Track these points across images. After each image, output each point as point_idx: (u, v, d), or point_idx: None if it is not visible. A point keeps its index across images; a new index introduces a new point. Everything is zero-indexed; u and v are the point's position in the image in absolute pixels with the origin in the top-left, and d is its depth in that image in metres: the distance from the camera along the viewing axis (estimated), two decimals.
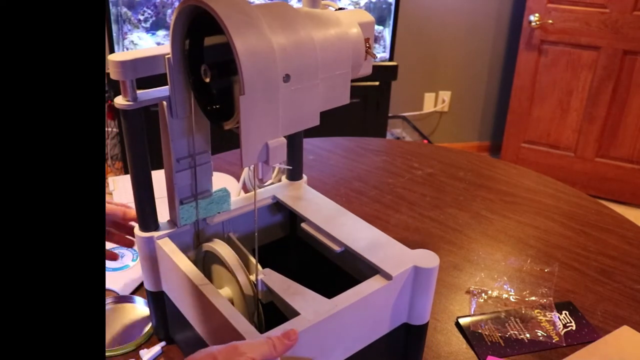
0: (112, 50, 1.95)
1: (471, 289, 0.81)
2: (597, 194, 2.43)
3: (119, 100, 0.53)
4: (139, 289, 0.78)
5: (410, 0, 2.46)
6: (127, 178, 1.05)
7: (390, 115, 2.51)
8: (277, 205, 0.71)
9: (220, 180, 1.07)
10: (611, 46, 2.23)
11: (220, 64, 0.49)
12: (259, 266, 0.58)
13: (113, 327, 0.71)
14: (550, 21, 2.29)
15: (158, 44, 2.05)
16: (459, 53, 2.66)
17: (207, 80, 0.50)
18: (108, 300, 0.75)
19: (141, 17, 2.03)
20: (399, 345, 0.62)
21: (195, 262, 0.61)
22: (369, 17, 0.57)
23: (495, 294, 0.80)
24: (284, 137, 0.50)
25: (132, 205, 0.63)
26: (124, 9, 2.00)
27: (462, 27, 2.60)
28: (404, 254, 0.58)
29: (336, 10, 0.57)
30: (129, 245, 0.73)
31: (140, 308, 0.74)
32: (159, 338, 0.69)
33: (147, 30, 2.06)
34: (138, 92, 0.54)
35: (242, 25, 0.45)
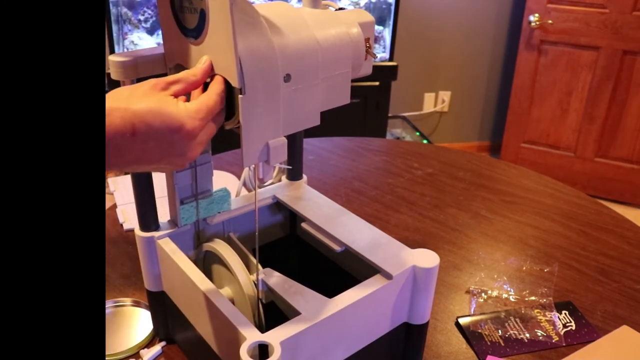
0: (112, 50, 1.95)
1: (471, 288, 0.81)
2: (597, 194, 2.43)
3: None
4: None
5: (410, 0, 2.46)
6: (128, 178, 1.05)
7: (390, 115, 2.51)
8: (278, 205, 0.71)
9: (220, 179, 1.07)
10: (611, 46, 2.23)
11: None
12: (260, 266, 0.58)
13: (114, 331, 0.71)
14: (550, 21, 2.29)
15: (158, 44, 2.05)
16: (459, 53, 2.67)
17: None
18: (109, 303, 0.75)
19: (141, 17, 2.04)
20: (399, 344, 0.62)
21: (195, 262, 0.61)
22: (369, 17, 0.57)
23: (495, 293, 0.80)
24: (284, 136, 0.50)
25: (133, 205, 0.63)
26: (124, 9, 2.00)
27: (462, 27, 2.60)
28: (404, 254, 0.58)
29: (336, 10, 0.57)
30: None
31: (141, 311, 0.74)
32: (159, 338, 0.69)
33: (147, 30, 2.06)
34: None
35: (243, 25, 0.45)
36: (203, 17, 0.46)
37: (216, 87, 0.46)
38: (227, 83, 0.47)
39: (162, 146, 0.42)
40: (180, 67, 0.52)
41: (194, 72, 0.46)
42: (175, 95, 0.44)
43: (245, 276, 0.58)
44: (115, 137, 0.40)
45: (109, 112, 0.40)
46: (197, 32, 0.47)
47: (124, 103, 0.41)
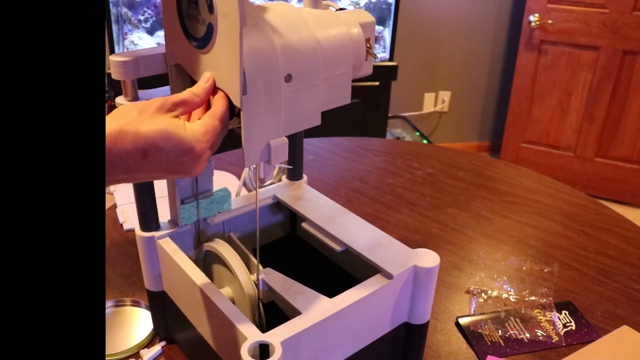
0: (112, 51, 1.95)
1: (471, 288, 0.81)
2: (597, 194, 2.44)
3: (120, 100, 0.53)
4: None
5: (410, 0, 2.46)
6: None
7: (390, 115, 2.51)
8: (278, 205, 0.71)
9: (221, 179, 1.07)
10: (611, 46, 2.23)
11: None
12: (260, 266, 0.58)
13: (114, 331, 0.71)
14: (550, 21, 2.29)
15: (158, 44, 2.05)
16: (459, 53, 2.67)
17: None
18: (109, 303, 0.75)
19: (141, 17, 2.04)
20: (400, 344, 0.62)
21: (196, 262, 0.61)
22: (369, 17, 0.57)
23: (495, 293, 0.80)
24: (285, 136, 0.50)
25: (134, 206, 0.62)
26: (124, 9, 2.00)
27: (462, 27, 2.60)
28: (404, 254, 0.58)
29: (337, 10, 0.57)
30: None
31: (141, 311, 0.74)
32: (159, 338, 0.69)
33: (147, 30, 2.06)
34: (139, 92, 0.54)
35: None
36: (211, 31, 0.46)
37: (218, 106, 0.46)
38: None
39: (171, 166, 0.44)
40: (180, 67, 0.53)
41: (198, 92, 0.47)
42: (180, 115, 0.45)
43: (245, 276, 0.58)
44: (126, 159, 0.41)
45: (120, 134, 0.41)
46: (203, 42, 0.47)
47: (134, 126, 0.42)
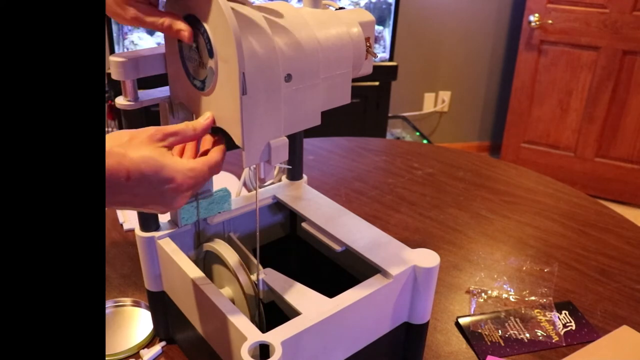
0: (112, 50, 1.95)
1: (471, 288, 0.81)
2: (597, 194, 2.43)
3: (120, 100, 0.53)
4: None
5: (410, 0, 2.46)
6: None
7: (390, 115, 2.51)
8: (278, 205, 0.71)
9: (220, 179, 1.07)
10: (611, 46, 2.23)
11: None
12: (260, 266, 0.58)
13: (114, 331, 0.71)
14: (550, 21, 2.29)
15: (158, 44, 2.05)
16: (459, 53, 2.67)
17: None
18: (109, 303, 0.75)
19: None
20: (400, 344, 0.62)
21: (195, 262, 0.61)
22: (369, 17, 0.57)
23: (495, 293, 0.80)
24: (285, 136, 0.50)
25: None
26: None
27: (462, 27, 2.60)
28: (404, 254, 0.58)
29: (336, 9, 0.57)
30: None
31: (141, 311, 0.74)
32: (159, 338, 0.69)
33: (147, 30, 2.06)
34: (139, 92, 0.54)
35: (244, 26, 0.45)
36: (212, 74, 0.47)
37: (214, 156, 0.48)
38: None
39: (151, 194, 0.45)
40: (184, 106, 0.54)
41: (195, 126, 0.48)
42: (171, 146, 0.46)
43: (245, 276, 0.58)
44: (110, 178, 0.42)
45: (109, 154, 0.42)
46: (204, 84, 0.49)
47: (123, 148, 0.43)
